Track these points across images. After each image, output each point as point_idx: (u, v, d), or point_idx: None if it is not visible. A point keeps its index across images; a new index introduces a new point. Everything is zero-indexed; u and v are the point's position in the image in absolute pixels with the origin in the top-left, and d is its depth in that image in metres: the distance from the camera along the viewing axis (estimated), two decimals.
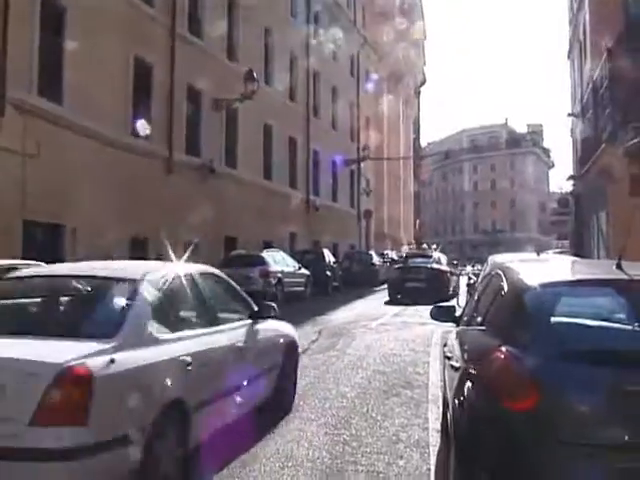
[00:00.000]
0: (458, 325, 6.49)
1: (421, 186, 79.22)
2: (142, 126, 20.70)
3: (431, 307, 6.90)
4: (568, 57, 37.62)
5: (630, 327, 4.35)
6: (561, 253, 27.04)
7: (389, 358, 11.72)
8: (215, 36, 25.86)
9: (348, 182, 43.99)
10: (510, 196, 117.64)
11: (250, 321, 7.21)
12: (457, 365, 5.22)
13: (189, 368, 5.41)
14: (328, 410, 7.88)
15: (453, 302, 16.11)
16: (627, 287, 4.43)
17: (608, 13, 21.88)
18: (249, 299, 7.56)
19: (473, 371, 4.57)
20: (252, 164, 28.96)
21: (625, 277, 4.47)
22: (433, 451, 6.30)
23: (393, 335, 14.91)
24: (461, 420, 4.49)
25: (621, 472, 3.58)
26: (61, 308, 5.93)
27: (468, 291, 17.57)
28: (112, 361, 4.57)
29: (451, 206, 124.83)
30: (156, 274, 5.92)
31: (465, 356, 5.02)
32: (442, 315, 6.79)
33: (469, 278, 22.24)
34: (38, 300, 6.08)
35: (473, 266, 37.45)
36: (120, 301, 5.37)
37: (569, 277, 5.23)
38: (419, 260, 27.95)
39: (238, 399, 6.48)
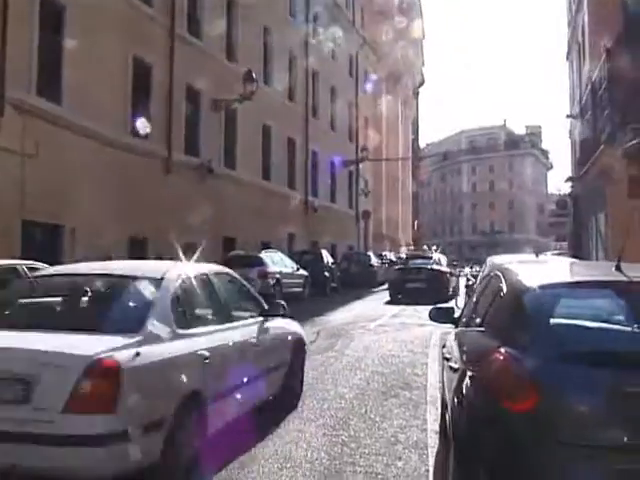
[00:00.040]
0: (457, 326, 6.49)
1: (419, 187, 79.26)
2: (142, 125, 20.69)
3: (430, 308, 6.90)
4: (567, 58, 37.64)
5: (629, 328, 4.35)
6: (559, 254, 27.06)
7: (388, 359, 11.72)
8: (214, 36, 25.85)
9: (347, 183, 43.99)
10: (508, 197, 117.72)
11: (261, 319, 7.54)
12: (456, 366, 5.22)
13: (206, 362, 5.75)
14: (327, 411, 7.88)
15: (451, 303, 16.09)
16: (626, 289, 4.44)
17: (607, 14, 21.88)
18: (260, 297, 7.95)
19: (472, 372, 4.56)
20: (251, 164, 28.95)
21: (624, 279, 4.47)
22: (432, 452, 6.31)
23: (392, 336, 14.92)
24: (460, 421, 4.49)
25: (620, 473, 3.58)
26: (88, 305, 6.20)
27: (467, 292, 17.58)
28: (137, 354, 4.93)
29: (449, 207, 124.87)
30: (175, 273, 6.25)
31: (464, 357, 5.02)
32: (441, 316, 6.79)
33: (467, 279, 22.28)
34: (66, 297, 6.34)
35: (471, 267, 37.46)
36: (143, 298, 5.72)
37: (568, 278, 5.23)
38: (419, 261, 28.35)
39: (249, 393, 6.80)
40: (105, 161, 18.26)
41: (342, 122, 42.99)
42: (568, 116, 35.07)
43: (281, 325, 8.16)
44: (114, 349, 4.85)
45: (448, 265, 30.49)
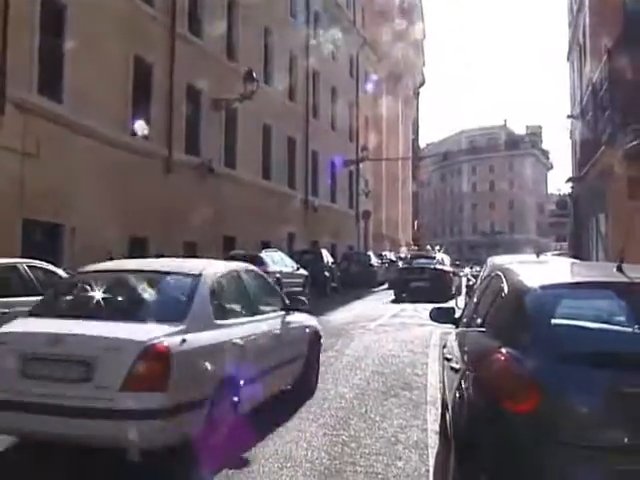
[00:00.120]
0: (457, 327, 6.49)
1: (420, 187, 79.26)
2: (140, 126, 20.70)
3: (430, 308, 6.90)
4: (567, 59, 37.64)
5: (630, 329, 4.35)
6: (560, 255, 27.04)
7: (388, 359, 11.73)
8: (215, 36, 25.86)
9: (347, 183, 43.99)
10: (509, 197, 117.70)
11: (283, 312, 8.24)
12: (457, 366, 5.22)
13: (239, 350, 6.53)
14: (327, 411, 7.88)
15: (452, 304, 16.10)
16: (628, 290, 4.43)
17: (608, 15, 21.87)
18: (282, 293, 8.85)
19: (473, 373, 4.56)
20: (251, 164, 28.95)
21: (626, 280, 4.47)
22: (432, 452, 6.31)
23: (392, 336, 14.92)
24: (461, 421, 4.49)
25: (621, 474, 3.58)
26: (137, 297, 6.66)
27: (467, 293, 17.59)
28: (184, 340, 5.68)
29: (450, 207, 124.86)
30: (211, 270, 6.98)
31: (465, 358, 5.02)
32: (441, 317, 6.79)
33: (468, 280, 22.32)
34: (117, 290, 6.89)
35: (471, 267, 37.45)
36: (185, 292, 6.38)
37: (570, 279, 5.23)
38: (423, 261, 28.94)
39: (273, 380, 7.52)
40: (106, 160, 18.26)
41: (342, 122, 42.98)
42: (569, 116, 35.05)
43: (300, 319, 8.80)
44: (164, 336, 5.58)
45: (451, 265, 30.84)
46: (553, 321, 4.27)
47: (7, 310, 9.02)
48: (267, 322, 7.64)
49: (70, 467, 5.75)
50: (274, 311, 8.10)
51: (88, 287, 6.80)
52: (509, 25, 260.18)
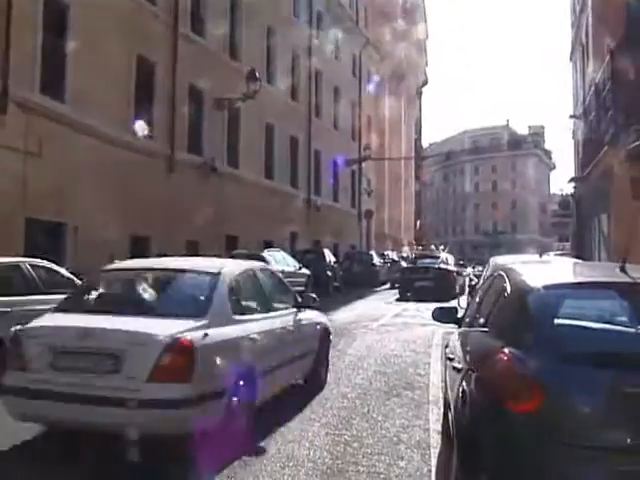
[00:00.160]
0: (460, 326, 6.49)
1: (422, 187, 79.20)
2: (140, 127, 20.68)
3: (433, 307, 6.90)
4: (570, 59, 37.58)
5: (633, 330, 4.34)
6: (562, 255, 27.04)
7: (390, 359, 11.72)
8: (218, 35, 25.87)
9: (349, 182, 43.97)
10: (511, 197, 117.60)
11: (295, 309, 8.58)
12: (459, 366, 5.22)
13: (257, 344, 6.90)
14: (329, 410, 7.88)
15: (454, 303, 16.09)
16: (631, 290, 4.43)
17: (611, 15, 21.83)
18: (294, 290, 9.23)
19: (476, 373, 4.56)
20: (254, 163, 28.96)
21: (629, 280, 4.46)
22: (434, 452, 6.30)
23: (394, 336, 14.91)
24: (463, 421, 4.49)
25: (623, 475, 3.58)
26: (161, 294, 7.01)
27: (469, 292, 17.60)
28: (206, 335, 6.02)
29: (452, 207, 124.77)
30: (229, 268, 7.33)
31: (467, 358, 5.02)
32: (444, 316, 6.79)
33: (470, 279, 22.36)
34: (142, 287, 7.07)
35: (474, 267, 37.46)
36: (205, 289, 6.70)
37: (572, 279, 5.23)
38: (427, 260, 29.33)
39: (287, 373, 7.91)
40: (108, 159, 18.27)
41: (345, 121, 42.99)
42: (571, 116, 34.99)
43: (311, 316, 9.12)
44: (187, 330, 5.92)
45: (455, 264, 31.19)
46: (556, 321, 4.27)
47: (10, 309, 9.06)
48: (281, 318, 8.00)
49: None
50: (287, 308, 8.45)
51: (113, 284, 7.36)
52: (512, 25, 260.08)
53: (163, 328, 5.90)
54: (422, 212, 78.64)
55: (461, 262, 39.70)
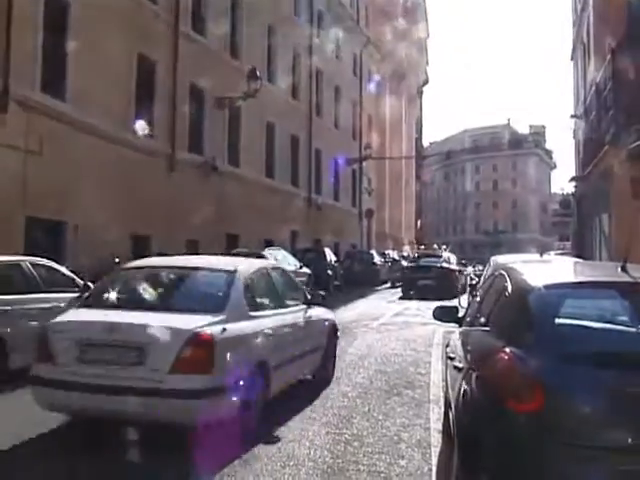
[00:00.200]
0: (461, 326, 6.48)
1: (423, 186, 79.15)
2: (141, 126, 20.67)
3: (434, 307, 6.89)
4: (571, 58, 37.59)
5: (634, 329, 4.34)
6: (562, 254, 27.06)
7: (390, 358, 11.73)
8: (218, 34, 25.84)
9: (350, 181, 43.97)
10: (512, 197, 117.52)
11: (305, 306, 8.91)
12: (460, 366, 5.21)
13: (270, 339, 7.27)
14: (330, 409, 7.89)
15: (455, 302, 16.09)
16: (632, 289, 4.42)
17: (612, 14, 21.83)
18: (304, 288, 9.67)
19: (477, 372, 4.56)
20: (254, 162, 28.95)
21: (630, 279, 4.46)
22: (435, 451, 6.30)
23: (395, 335, 14.92)
24: (464, 420, 4.49)
25: (624, 474, 3.57)
26: (180, 290, 7.52)
27: (470, 292, 17.60)
28: (224, 329, 6.38)
29: (453, 206, 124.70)
30: (244, 267, 7.76)
31: (468, 357, 5.01)
32: (445, 315, 6.78)
33: (471, 279, 22.42)
34: (162, 284, 7.57)
35: (474, 267, 37.48)
36: (223, 286, 7.06)
37: (574, 279, 5.22)
38: (430, 259, 29.92)
39: (297, 367, 8.25)
40: (109, 158, 18.27)
41: (346, 120, 42.99)
42: (572, 116, 35.02)
43: (319, 313, 9.47)
44: (207, 325, 6.28)
45: (457, 264, 31.62)
46: (557, 321, 4.26)
47: (10, 307, 9.07)
48: (292, 315, 8.34)
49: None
50: (297, 305, 8.77)
51: (133, 282, 7.61)
52: (513, 24, 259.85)
53: (184, 323, 6.26)
54: (423, 211, 78.57)
55: (463, 261, 39.79)
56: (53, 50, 16.94)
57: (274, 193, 30.20)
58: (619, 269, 4.64)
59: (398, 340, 14.04)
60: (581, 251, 28.95)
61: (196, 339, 6.11)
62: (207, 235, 22.62)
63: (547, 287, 4.50)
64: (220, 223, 23.89)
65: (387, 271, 35.09)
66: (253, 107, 27.08)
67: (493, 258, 13.95)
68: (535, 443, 3.64)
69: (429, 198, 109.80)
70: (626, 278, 4.49)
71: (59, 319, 6.76)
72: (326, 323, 9.69)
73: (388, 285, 33.46)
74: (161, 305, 6.91)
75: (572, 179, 34.33)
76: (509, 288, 4.84)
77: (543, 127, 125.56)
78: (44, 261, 10.48)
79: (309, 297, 9.23)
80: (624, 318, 4.52)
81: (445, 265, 28.36)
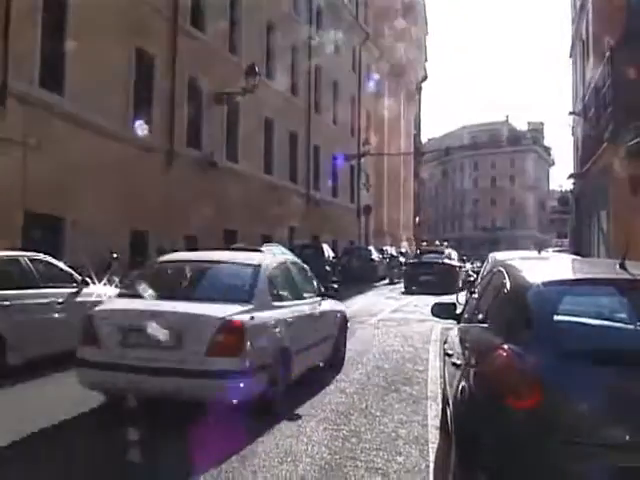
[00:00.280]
0: (459, 322, 6.48)
1: (421, 183, 79.04)
2: (140, 126, 20.63)
3: (432, 304, 6.90)
4: (570, 55, 37.58)
5: (633, 327, 4.33)
6: (560, 251, 27.11)
7: (388, 354, 11.73)
8: (217, 29, 25.81)
9: (348, 178, 43.95)
10: (510, 194, 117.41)
11: (319, 298, 9.67)
12: (458, 362, 5.21)
13: (290, 327, 7.90)
14: (327, 405, 7.89)
15: (453, 299, 16.11)
16: (630, 287, 4.41)
17: (611, 11, 21.83)
18: (317, 281, 10.22)
19: (475, 369, 4.55)
20: (253, 158, 28.93)
21: (628, 277, 4.45)
22: (432, 448, 6.30)
23: (393, 331, 14.93)
24: (462, 417, 4.49)
25: (622, 471, 3.57)
26: (212, 282, 8.15)
27: (468, 288, 17.61)
28: (252, 317, 7.05)
29: (451, 203, 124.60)
30: (267, 261, 8.51)
31: (467, 353, 5.01)
32: (443, 312, 6.77)
33: (469, 275, 22.49)
34: (195, 277, 8.37)
35: (472, 263, 37.53)
36: (249, 278, 7.73)
37: (572, 276, 5.21)
38: (432, 256, 30.65)
39: (313, 354, 8.92)
40: (107, 153, 18.22)
41: (344, 117, 42.94)
42: (571, 113, 34.99)
43: (332, 304, 10.27)
44: (237, 313, 6.93)
45: (458, 260, 32.21)
46: (555, 318, 4.25)
47: (8, 302, 9.06)
48: (308, 305, 9.05)
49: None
50: (312, 297, 9.47)
51: (168, 274, 8.57)
52: (512, 20, 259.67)
53: (217, 311, 6.88)
54: (421, 208, 78.44)
55: (464, 257, 39.95)
56: (52, 45, 16.91)
57: (272, 189, 30.18)
58: (617, 266, 4.63)
59: (396, 336, 14.05)
60: (579, 248, 28.98)
61: (228, 325, 6.73)
62: (205, 230, 22.59)
63: (546, 284, 4.49)
64: (218, 219, 23.86)
65: (385, 267, 35.09)
66: (252, 103, 27.07)
67: (491, 255, 13.94)
68: (533, 440, 3.63)
69: (427, 195, 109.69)
70: (625, 275, 4.48)
71: (103, 307, 7.52)
72: (338, 314, 10.43)
73: (386, 281, 33.46)
74: (194, 295, 7.66)
75: (570, 176, 34.33)
76: (507, 285, 4.84)
77: (541, 124, 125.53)
78: (42, 256, 10.47)
79: (322, 289, 10.01)
80: (622, 315, 4.51)
81: (447, 261, 29.19)
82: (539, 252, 13.17)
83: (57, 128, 16.66)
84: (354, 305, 21.22)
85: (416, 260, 31.39)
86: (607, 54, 20.28)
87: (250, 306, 7.20)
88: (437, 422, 6.99)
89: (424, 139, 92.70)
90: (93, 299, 10.47)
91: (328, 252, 29.36)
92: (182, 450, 5.81)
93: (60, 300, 10.08)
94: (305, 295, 9.27)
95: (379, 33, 50.54)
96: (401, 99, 59.00)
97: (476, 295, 6.60)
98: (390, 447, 6.35)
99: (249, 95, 25.99)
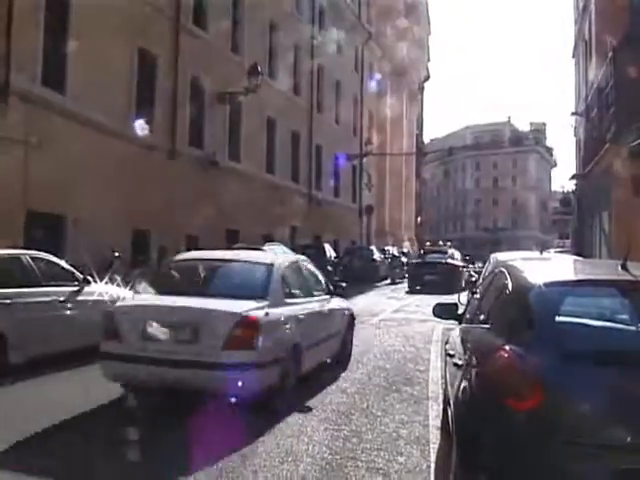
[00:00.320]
0: (460, 323, 6.47)
1: (422, 183, 79.00)
2: (140, 126, 20.62)
3: (433, 304, 6.88)
4: (573, 56, 37.56)
5: (634, 328, 4.33)
6: (562, 252, 27.08)
7: (390, 354, 11.72)
8: (220, 29, 25.80)
9: (350, 178, 43.92)
10: (512, 194, 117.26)
11: (327, 296, 10.03)
12: (460, 363, 5.20)
13: (302, 323, 8.26)
14: (328, 405, 7.88)
15: (455, 299, 16.09)
16: (632, 288, 4.40)
17: (614, 12, 21.81)
18: (326, 280, 10.64)
19: (476, 369, 4.54)
20: (255, 158, 28.93)
21: (630, 278, 4.44)
22: (433, 448, 6.29)
23: (394, 331, 14.93)
24: (463, 418, 4.48)
25: (623, 473, 3.56)
26: (228, 279, 8.46)
27: (469, 289, 17.60)
28: (267, 313, 7.38)
29: (453, 203, 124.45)
30: (280, 260, 8.91)
31: (468, 354, 5.00)
32: (444, 312, 6.76)
33: (470, 275, 22.50)
34: (211, 274, 8.76)
35: (473, 263, 37.49)
36: (263, 276, 8.07)
37: (574, 277, 5.19)
38: (436, 256, 31.09)
39: (322, 350, 9.24)
40: (109, 152, 18.23)
41: (346, 116, 42.92)
42: (573, 114, 35.01)
43: (339, 302, 10.61)
44: (253, 309, 7.27)
45: (462, 260, 32.63)
46: (557, 319, 4.24)
47: (10, 301, 9.06)
48: (318, 303, 9.40)
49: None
50: (320, 295, 9.79)
51: (185, 271, 8.88)
52: (514, 21, 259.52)
53: (234, 307, 7.20)
54: (423, 208, 78.38)
55: (467, 257, 39.99)
56: (54, 44, 16.92)
57: (274, 189, 30.18)
58: (619, 267, 4.62)
59: (397, 336, 14.05)
60: (581, 249, 28.97)
61: (245, 320, 7.04)
62: (207, 230, 22.59)
63: (547, 285, 4.48)
64: (220, 218, 23.85)
65: (387, 267, 35.07)
66: (254, 103, 27.07)
67: (493, 255, 13.91)
68: (534, 441, 3.63)
69: (429, 195, 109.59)
70: (626, 276, 4.47)
71: (124, 303, 7.95)
72: (345, 312, 10.77)
73: (388, 281, 33.46)
74: (211, 291, 7.95)
75: (572, 177, 34.35)
76: (509, 285, 4.83)
77: (544, 124, 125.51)
78: (44, 255, 10.47)
79: (331, 288, 10.38)
80: (624, 316, 4.51)
81: (450, 261, 29.61)
82: (541, 253, 13.16)
83: (59, 127, 16.66)
84: (356, 305, 21.04)
85: (420, 260, 31.73)
86: (610, 54, 20.27)
87: (265, 303, 7.50)
88: (438, 422, 6.98)
89: (426, 139, 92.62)
90: (95, 297, 10.49)
91: (330, 252, 29.38)
92: (182, 449, 5.81)
93: (62, 299, 10.09)
94: (315, 293, 9.61)
95: (382, 33, 50.52)
96: (403, 99, 58.95)
97: (478, 296, 6.58)
98: (391, 447, 6.34)
99: (251, 95, 25.99)
